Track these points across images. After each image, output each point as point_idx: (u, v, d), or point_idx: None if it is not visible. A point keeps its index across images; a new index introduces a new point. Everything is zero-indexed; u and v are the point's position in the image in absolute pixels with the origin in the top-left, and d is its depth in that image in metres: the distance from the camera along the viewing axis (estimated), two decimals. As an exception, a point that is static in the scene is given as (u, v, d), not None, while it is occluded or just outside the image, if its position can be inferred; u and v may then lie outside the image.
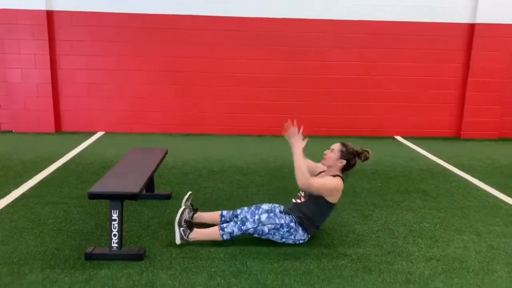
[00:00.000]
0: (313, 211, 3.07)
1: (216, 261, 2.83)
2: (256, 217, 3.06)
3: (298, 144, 3.01)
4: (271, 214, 3.08)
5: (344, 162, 3.08)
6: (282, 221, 3.04)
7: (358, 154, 3.10)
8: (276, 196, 4.11)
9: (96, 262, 2.77)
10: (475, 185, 4.65)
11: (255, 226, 3.03)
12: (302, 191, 3.16)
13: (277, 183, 4.54)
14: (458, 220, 3.65)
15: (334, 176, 3.09)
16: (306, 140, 3.03)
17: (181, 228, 2.99)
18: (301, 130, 3.01)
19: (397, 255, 2.99)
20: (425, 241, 3.23)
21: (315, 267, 2.80)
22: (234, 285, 2.56)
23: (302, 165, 2.96)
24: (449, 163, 5.51)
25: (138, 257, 2.81)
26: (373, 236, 3.29)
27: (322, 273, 2.72)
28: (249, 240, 3.09)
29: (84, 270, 2.68)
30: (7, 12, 6.30)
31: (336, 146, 3.11)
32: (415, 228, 3.45)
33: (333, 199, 3.07)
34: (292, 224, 3.04)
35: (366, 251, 3.03)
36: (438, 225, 3.54)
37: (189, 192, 3.42)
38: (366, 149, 3.12)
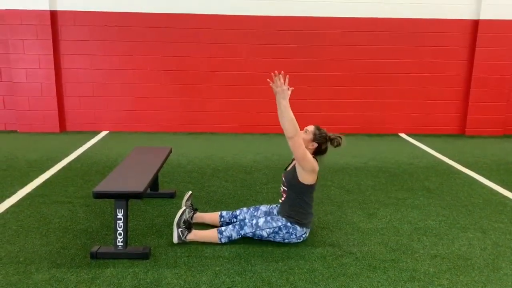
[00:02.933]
0: (298, 200, 3.05)
1: (221, 259, 2.84)
2: (254, 221, 3.06)
3: (285, 94, 2.83)
4: (268, 218, 3.07)
5: (316, 145, 3.02)
6: (280, 223, 3.04)
7: (330, 140, 3.05)
8: (279, 195, 4.10)
9: (102, 261, 2.79)
10: (480, 182, 4.64)
11: (253, 230, 3.04)
12: (283, 183, 3.12)
13: (280, 180, 4.53)
14: (463, 218, 3.65)
15: None
16: (291, 90, 2.87)
17: (180, 229, 3.00)
18: (286, 80, 2.86)
19: (402, 253, 2.99)
20: (430, 238, 3.22)
21: (319, 265, 2.80)
22: (239, 283, 2.57)
23: (293, 115, 2.81)
24: (453, 160, 5.49)
25: (143, 256, 2.82)
26: (378, 234, 3.29)
27: (326, 271, 2.72)
28: (253, 239, 3.09)
29: (89, 269, 2.70)
30: (11, 13, 6.32)
31: (310, 128, 3.06)
32: (420, 226, 3.44)
33: (310, 178, 3.01)
34: (288, 224, 3.04)
35: (370, 249, 3.03)
36: (443, 223, 3.53)
37: (189, 192, 3.42)
38: (339, 135, 3.06)
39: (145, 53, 6.63)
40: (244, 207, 3.71)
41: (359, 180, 4.59)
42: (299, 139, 2.85)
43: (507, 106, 7.04)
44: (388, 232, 3.32)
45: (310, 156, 2.95)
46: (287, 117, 2.80)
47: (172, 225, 3.30)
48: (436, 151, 5.95)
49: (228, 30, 6.61)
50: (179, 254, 2.90)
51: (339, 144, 3.04)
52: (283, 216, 3.07)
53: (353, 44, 6.73)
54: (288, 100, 2.82)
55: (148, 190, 3.77)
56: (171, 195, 3.95)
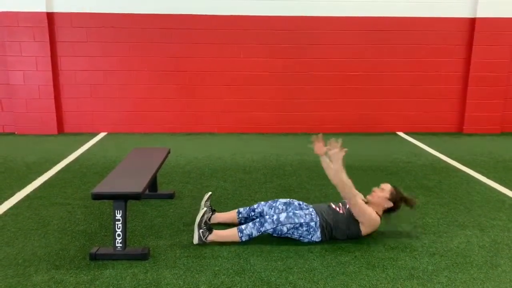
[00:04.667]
0: (343, 225, 3.08)
1: (220, 259, 2.84)
2: (275, 217, 3.05)
3: (338, 157, 2.95)
4: (290, 214, 3.07)
5: (391, 204, 3.09)
6: (302, 220, 3.04)
7: (405, 200, 3.13)
8: (278, 194, 4.12)
9: (101, 262, 2.79)
10: (478, 180, 4.65)
11: (274, 226, 3.03)
12: (342, 204, 3.19)
13: (279, 181, 4.54)
14: (461, 215, 3.66)
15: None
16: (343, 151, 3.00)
17: (201, 230, 2.99)
18: (339, 143, 2.98)
19: (400, 251, 3.00)
20: (429, 236, 3.23)
21: (318, 264, 2.80)
22: (238, 283, 2.57)
23: (347, 179, 2.96)
24: (451, 158, 5.51)
25: (143, 256, 2.82)
26: (376, 232, 3.29)
27: (325, 270, 2.73)
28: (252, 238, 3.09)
29: (89, 270, 2.70)
30: (8, 15, 6.31)
31: (387, 187, 3.13)
32: (418, 224, 3.45)
33: (364, 229, 3.08)
34: (312, 224, 3.03)
35: (369, 248, 3.03)
36: (441, 220, 3.54)
37: (209, 193, 3.39)
38: (413, 195, 3.17)
39: (142, 54, 6.63)
40: (243, 206, 3.72)
41: (358, 179, 4.57)
42: (354, 200, 2.97)
43: (505, 103, 7.05)
44: (386, 230, 3.33)
45: (372, 214, 3.04)
46: (339, 181, 2.96)
47: (172, 225, 3.32)
48: (434, 149, 5.96)
49: (225, 30, 6.61)
50: (178, 254, 2.90)
51: (414, 205, 3.13)
52: (319, 215, 3.06)
53: (351, 43, 6.74)
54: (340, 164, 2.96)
55: (147, 191, 3.77)
56: (170, 196, 3.96)
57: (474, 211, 3.76)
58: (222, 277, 2.63)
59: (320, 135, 3.17)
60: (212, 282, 2.58)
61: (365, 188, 4.30)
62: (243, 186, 4.37)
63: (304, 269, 2.74)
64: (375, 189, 3.17)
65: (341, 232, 3.09)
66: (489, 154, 5.76)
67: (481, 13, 6.65)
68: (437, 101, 7.03)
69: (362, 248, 3.02)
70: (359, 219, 3.05)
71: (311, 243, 3.07)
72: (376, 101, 6.96)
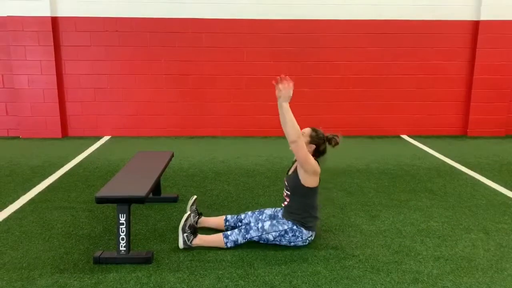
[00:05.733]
0: (302, 204, 3.05)
1: (224, 263, 2.84)
2: (260, 224, 3.05)
3: (289, 96, 2.84)
4: (274, 221, 3.06)
5: (314, 147, 3.01)
6: (286, 227, 3.03)
7: (328, 140, 3.04)
8: (281, 198, 4.10)
9: (105, 266, 2.79)
10: (483, 183, 4.62)
11: (259, 234, 3.03)
12: (286, 188, 3.13)
13: (282, 184, 4.52)
14: (466, 219, 3.64)
15: None
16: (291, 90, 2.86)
17: (185, 234, 3.00)
18: (291, 83, 2.86)
19: (405, 254, 2.98)
20: (433, 240, 3.22)
21: (322, 268, 2.79)
22: (242, 287, 2.57)
23: (294, 118, 2.79)
24: (456, 161, 5.48)
25: (146, 260, 2.82)
26: (381, 236, 3.28)
27: (329, 274, 2.72)
28: (255, 243, 3.09)
29: (93, 274, 2.70)
30: (13, 20, 6.35)
31: (306, 130, 3.04)
32: (423, 227, 3.44)
33: (313, 181, 3.01)
34: (294, 228, 3.03)
35: (373, 251, 3.02)
36: (446, 224, 3.52)
37: (194, 197, 3.42)
38: (335, 134, 3.04)
39: (146, 58, 6.65)
40: (246, 210, 3.72)
41: (361, 182, 4.58)
42: (301, 142, 2.84)
43: (509, 106, 7.02)
44: (391, 234, 3.32)
45: (312, 159, 2.95)
46: (289, 120, 2.79)
47: (176, 229, 3.32)
48: (438, 152, 5.94)
49: (228, 34, 6.62)
50: (182, 258, 2.90)
51: (337, 143, 3.03)
52: (288, 220, 3.07)
53: (355, 46, 6.74)
54: (288, 103, 2.81)
55: (151, 195, 3.78)
56: (174, 199, 3.96)
57: (479, 214, 3.74)
58: (226, 281, 2.63)
59: (287, 77, 2.87)
60: (216, 286, 2.58)
61: (368, 192, 4.30)
62: (247, 189, 4.36)
63: (308, 273, 2.73)
64: None
65: (302, 207, 3.02)
66: (493, 157, 5.73)
67: (484, 16, 6.63)
68: (441, 104, 7.01)
69: (366, 252, 3.01)
70: (304, 166, 2.91)
71: (307, 244, 3.06)
72: (380, 104, 6.95)
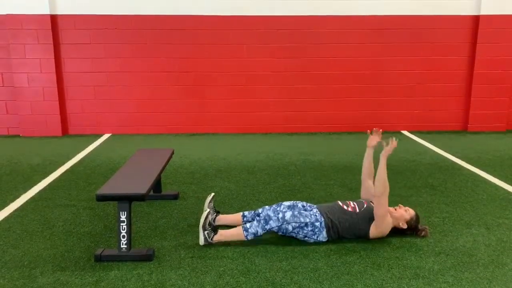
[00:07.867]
0: (352, 223, 3.08)
1: (225, 260, 2.84)
2: (280, 215, 3.04)
3: (388, 153, 3.10)
4: (295, 212, 3.06)
5: (405, 227, 3.13)
6: (307, 220, 3.03)
7: (416, 231, 3.17)
8: (282, 194, 4.11)
9: (106, 263, 2.80)
10: (484, 178, 4.62)
11: (279, 224, 3.02)
12: (355, 203, 3.20)
13: (284, 181, 4.54)
14: (467, 214, 3.63)
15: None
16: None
17: (206, 232, 2.99)
18: (395, 142, 3.12)
19: (406, 250, 2.98)
20: (434, 235, 3.22)
21: (323, 264, 2.79)
22: (243, 283, 2.57)
23: (386, 177, 3.01)
24: (456, 156, 5.48)
25: (147, 257, 2.83)
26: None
27: (330, 270, 2.72)
28: (257, 239, 3.09)
29: (94, 271, 2.71)
30: (12, 18, 6.34)
31: (411, 212, 3.17)
32: (424, 223, 3.43)
33: (373, 231, 3.08)
34: (317, 224, 3.03)
35: (374, 247, 3.02)
36: (446, 219, 3.52)
37: (212, 194, 3.38)
38: (426, 227, 3.21)
39: (146, 55, 6.64)
40: (247, 207, 3.73)
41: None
42: (384, 200, 2.98)
43: (510, 101, 7.01)
44: (392, 229, 3.31)
45: (389, 220, 3.07)
46: (382, 176, 2.98)
47: (176, 226, 3.32)
48: (439, 147, 5.93)
49: (228, 30, 6.60)
50: (182, 255, 2.90)
51: (425, 236, 3.17)
52: (324, 215, 3.06)
53: (354, 42, 6.72)
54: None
55: (151, 192, 3.78)
56: (174, 197, 3.96)
57: (480, 209, 3.74)
58: (227, 277, 2.63)
59: (380, 131, 3.41)
60: (217, 282, 2.58)
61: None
62: (248, 186, 4.36)
63: (309, 269, 2.73)
64: (401, 206, 3.21)
65: (348, 231, 3.08)
66: (494, 152, 5.72)
67: (485, 11, 6.61)
68: (442, 99, 7.00)
69: (367, 248, 3.01)
70: (377, 219, 3.03)
71: (317, 243, 3.06)
72: (380, 99, 6.94)
